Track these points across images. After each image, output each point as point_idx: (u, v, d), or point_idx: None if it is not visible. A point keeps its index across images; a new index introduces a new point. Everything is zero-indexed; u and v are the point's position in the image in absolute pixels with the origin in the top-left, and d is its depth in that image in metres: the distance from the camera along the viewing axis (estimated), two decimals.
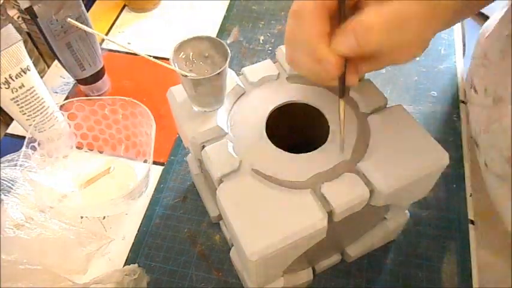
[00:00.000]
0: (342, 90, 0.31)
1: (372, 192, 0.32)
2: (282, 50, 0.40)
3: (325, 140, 0.35)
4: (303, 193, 0.32)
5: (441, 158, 0.33)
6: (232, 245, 0.44)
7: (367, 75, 0.38)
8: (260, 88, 0.39)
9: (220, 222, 0.46)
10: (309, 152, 0.34)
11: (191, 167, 0.48)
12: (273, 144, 0.35)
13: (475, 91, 0.53)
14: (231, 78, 0.38)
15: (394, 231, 0.44)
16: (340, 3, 0.28)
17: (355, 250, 0.43)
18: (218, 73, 0.32)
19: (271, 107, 0.37)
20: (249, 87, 0.39)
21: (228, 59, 0.32)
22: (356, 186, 0.32)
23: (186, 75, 0.32)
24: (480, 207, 0.49)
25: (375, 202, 0.33)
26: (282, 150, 0.34)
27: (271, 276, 0.37)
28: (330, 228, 0.31)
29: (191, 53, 0.34)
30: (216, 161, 0.33)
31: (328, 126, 0.36)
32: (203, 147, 0.35)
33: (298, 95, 0.38)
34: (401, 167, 0.32)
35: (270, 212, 0.31)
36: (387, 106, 0.37)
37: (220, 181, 0.33)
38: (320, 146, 0.35)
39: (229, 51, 0.33)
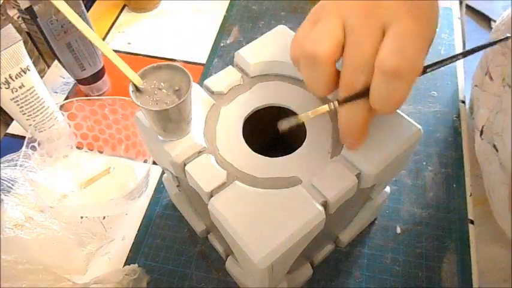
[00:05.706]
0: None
1: (359, 176, 0.33)
2: (240, 55, 0.39)
3: (301, 137, 0.35)
4: (295, 190, 0.32)
5: (415, 132, 0.34)
6: (227, 256, 0.44)
7: None
8: (228, 96, 0.38)
9: (209, 235, 0.46)
10: (289, 150, 0.35)
11: (168, 188, 0.47)
12: (254, 152, 0.35)
13: (490, 78, 0.52)
14: (198, 93, 0.38)
15: (378, 209, 0.46)
16: None
17: (347, 235, 0.45)
18: (182, 101, 0.31)
19: (244, 114, 0.37)
20: (217, 97, 0.38)
21: (191, 86, 0.31)
22: (344, 173, 0.32)
23: (146, 108, 0.31)
24: (479, 204, 0.49)
25: (364, 185, 0.34)
26: (263, 156, 0.35)
27: (277, 279, 0.37)
28: (325, 220, 0.32)
29: (154, 83, 0.33)
30: (203, 177, 0.33)
31: (303, 124, 0.36)
32: (184, 165, 0.34)
33: (267, 97, 0.38)
34: (381, 147, 0.33)
35: (267, 216, 0.31)
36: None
37: (211, 195, 0.33)
38: (296, 142, 0.35)
39: (191, 78, 0.32)
